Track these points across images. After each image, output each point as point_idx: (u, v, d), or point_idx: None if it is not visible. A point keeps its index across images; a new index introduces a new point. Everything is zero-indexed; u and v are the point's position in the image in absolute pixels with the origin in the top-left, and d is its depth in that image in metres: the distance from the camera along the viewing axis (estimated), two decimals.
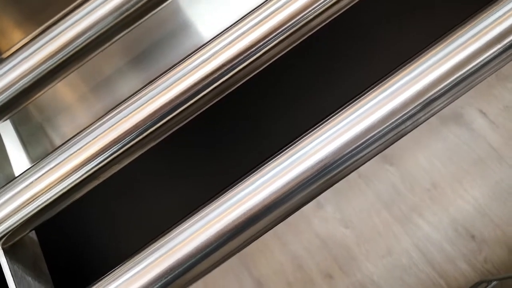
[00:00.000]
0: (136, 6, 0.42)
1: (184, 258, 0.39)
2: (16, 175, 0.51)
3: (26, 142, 0.57)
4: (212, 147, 0.59)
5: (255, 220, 0.40)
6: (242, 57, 0.42)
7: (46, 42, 0.41)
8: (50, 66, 0.41)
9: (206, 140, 0.59)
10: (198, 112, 0.44)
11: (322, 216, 0.56)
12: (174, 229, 0.40)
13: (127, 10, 0.41)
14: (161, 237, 0.41)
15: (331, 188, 0.56)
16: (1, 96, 0.42)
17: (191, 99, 0.42)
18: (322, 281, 0.54)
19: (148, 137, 0.42)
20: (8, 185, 0.42)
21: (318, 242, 0.55)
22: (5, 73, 0.42)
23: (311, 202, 0.56)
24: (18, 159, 0.56)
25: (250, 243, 0.41)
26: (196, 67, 0.41)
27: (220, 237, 0.39)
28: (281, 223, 0.53)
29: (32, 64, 0.41)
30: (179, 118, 0.43)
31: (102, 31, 0.41)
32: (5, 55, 0.45)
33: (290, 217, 0.54)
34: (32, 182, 0.40)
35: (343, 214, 0.56)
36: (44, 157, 0.41)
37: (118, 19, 0.41)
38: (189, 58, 0.42)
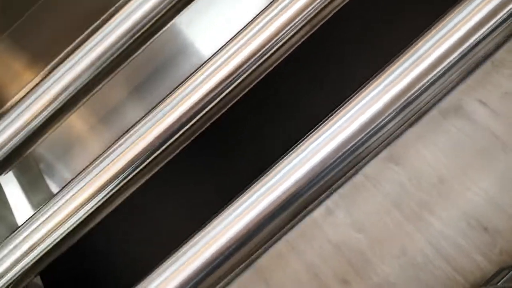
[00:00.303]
0: (134, 38, 0.42)
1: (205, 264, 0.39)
2: (18, 223, 0.51)
3: (27, 190, 0.57)
4: (225, 156, 0.59)
5: (270, 220, 0.40)
6: (243, 68, 0.42)
7: (47, 88, 0.41)
8: (54, 108, 0.41)
9: (214, 149, 0.60)
10: (203, 128, 0.45)
11: (332, 222, 0.56)
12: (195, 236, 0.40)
13: (125, 43, 0.41)
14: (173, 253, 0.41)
15: (339, 193, 0.57)
16: (4, 149, 0.42)
17: (195, 116, 0.42)
18: (339, 286, 0.54)
19: (148, 166, 0.42)
20: (10, 236, 0.41)
21: (332, 248, 0.55)
22: (5, 127, 0.41)
23: (320, 209, 0.57)
24: (20, 207, 0.55)
25: (269, 245, 0.41)
26: (199, 84, 0.42)
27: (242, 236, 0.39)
28: (293, 232, 0.53)
29: (31, 114, 0.41)
30: (185, 136, 0.43)
31: (93, 75, 0.41)
32: (3, 109, 0.45)
33: (302, 225, 0.54)
34: (33, 230, 0.39)
35: (354, 218, 0.56)
36: (44, 204, 0.41)
37: (114, 56, 0.41)
38: (190, 78, 0.42)
